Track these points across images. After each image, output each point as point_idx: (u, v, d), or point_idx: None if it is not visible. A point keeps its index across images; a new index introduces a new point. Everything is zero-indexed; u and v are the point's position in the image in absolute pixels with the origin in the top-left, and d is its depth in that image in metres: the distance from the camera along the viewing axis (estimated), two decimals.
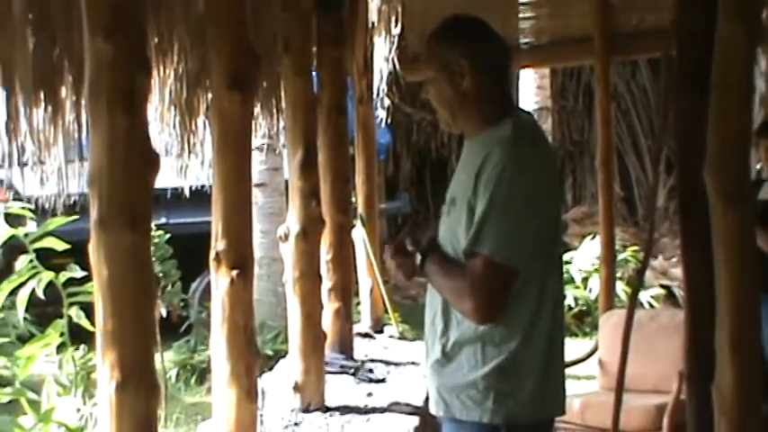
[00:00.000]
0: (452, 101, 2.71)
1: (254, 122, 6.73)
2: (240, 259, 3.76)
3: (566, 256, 12.02)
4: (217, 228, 3.75)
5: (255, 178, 10.42)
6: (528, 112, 2.87)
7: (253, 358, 3.84)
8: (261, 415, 4.01)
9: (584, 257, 11.32)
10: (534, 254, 2.57)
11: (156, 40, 4.67)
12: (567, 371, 6.94)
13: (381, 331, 7.02)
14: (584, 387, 7.13)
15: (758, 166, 6.30)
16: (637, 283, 4.99)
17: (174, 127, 5.16)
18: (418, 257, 2.74)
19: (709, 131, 2.43)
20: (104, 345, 2.66)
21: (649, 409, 5.54)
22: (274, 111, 6.35)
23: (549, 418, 2.77)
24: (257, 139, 10.10)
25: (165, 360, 9.11)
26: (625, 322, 3.87)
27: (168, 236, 8.37)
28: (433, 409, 2.80)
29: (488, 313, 2.57)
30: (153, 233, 8.18)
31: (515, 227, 2.52)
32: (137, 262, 2.70)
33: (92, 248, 2.67)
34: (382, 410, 4.91)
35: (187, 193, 7.13)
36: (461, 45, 2.70)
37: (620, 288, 10.91)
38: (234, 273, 3.74)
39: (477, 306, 2.56)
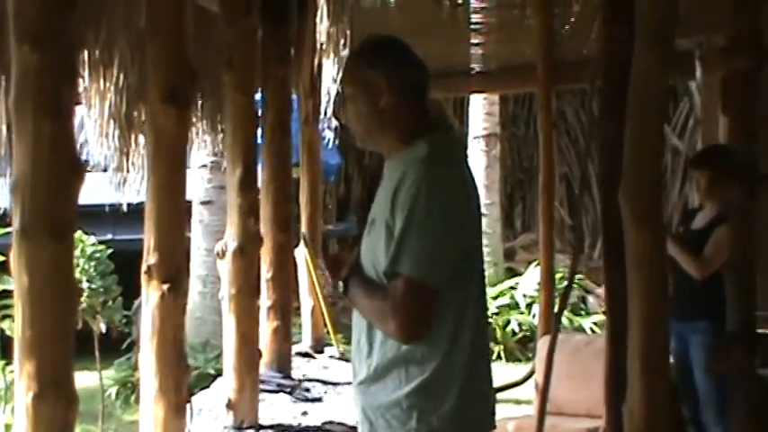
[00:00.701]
0: (369, 119, 2.73)
1: (198, 140, 6.79)
2: (172, 273, 3.75)
3: (511, 282, 12.12)
4: (149, 241, 3.74)
5: (202, 196, 10.50)
6: (448, 132, 2.90)
7: (182, 373, 3.83)
8: (189, 431, 3.97)
9: (528, 283, 11.41)
10: (454, 273, 2.58)
11: (97, 52, 4.68)
12: (507, 395, 7.03)
13: (322, 351, 7.01)
14: (523, 410, 7.18)
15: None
16: (561, 305, 5.03)
17: (114, 140, 5.14)
18: (340, 284, 2.75)
19: (625, 155, 2.48)
20: (22, 355, 2.64)
21: None
22: (219, 128, 6.37)
23: None
24: (204, 157, 10.13)
25: (105, 377, 9.04)
26: (549, 344, 3.90)
27: (110, 251, 8.34)
28: (359, 429, 2.80)
29: (413, 333, 2.58)
30: (97, 248, 8.18)
31: (432, 246, 2.53)
32: (58, 272, 2.68)
33: (13, 257, 2.65)
34: (316, 429, 4.91)
35: (132, 209, 7.07)
36: (380, 64, 2.72)
37: (564, 314, 11.00)
38: (165, 287, 3.73)
39: (401, 326, 2.57)
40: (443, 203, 2.56)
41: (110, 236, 10.34)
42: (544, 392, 3.80)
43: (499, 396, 6.15)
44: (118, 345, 9.31)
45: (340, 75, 2.90)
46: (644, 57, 2.47)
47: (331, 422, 4.88)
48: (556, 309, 10.69)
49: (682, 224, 5.98)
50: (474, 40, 8.13)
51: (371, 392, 2.71)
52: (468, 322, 2.66)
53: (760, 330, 3.04)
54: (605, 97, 3.26)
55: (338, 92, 7.44)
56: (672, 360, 5.62)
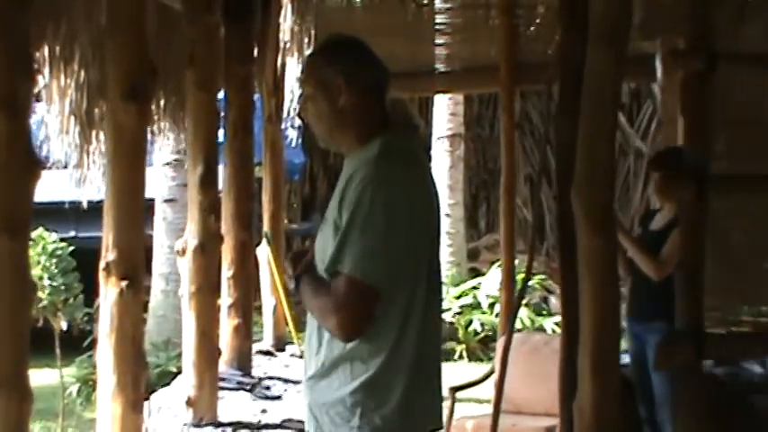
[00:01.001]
0: (329, 118, 2.75)
1: (161, 138, 6.78)
2: (130, 270, 3.76)
3: (474, 282, 12.18)
4: (107, 238, 3.75)
5: (165, 194, 10.47)
6: (406, 133, 2.92)
7: (140, 370, 3.83)
8: (146, 428, 3.98)
9: (491, 283, 11.46)
10: (398, 272, 2.60)
11: (58, 48, 4.66)
12: (468, 394, 7.06)
13: (283, 349, 7.01)
14: (484, 409, 7.22)
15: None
16: (516, 303, 5.07)
17: (74, 137, 5.12)
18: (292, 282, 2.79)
19: (578, 156, 2.52)
20: None
21: (540, 430, 5.62)
22: (182, 126, 6.36)
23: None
24: (167, 155, 10.11)
25: (66, 375, 9.00)
26: (504, 343, 3.93)
27: (72, 248, 8.30)
28: (306, 426, 2.82)
29: (351, 331, 2.60)
30: (58, 246, 8.13)
31: (375, 246, 2.55)
32: (13, 268, 2.69)
33: None
34: (275, 427, 4.92)
35: (94, 207, 7.04)
36: (340, 63, 2.74)
37: (525, 314, 11.08)
38: (123, 284, 3.73)
39: (339, 324, 2.60)
40: (389, 202, 2.58)
41: (72, 233, 10.31)
42: (499, 390, 3.84)
43: (460, 395, 6.27)
44: (79, 343, 9.28)
45: (300, 74, 2.92)
46: (597, 59, 2.50)
47: (290, 420, 4.88)
48: (525, 312, 10.86)
49: (641, 225, 6.04)
50: (439, 41, 8.17)
51: (318, 389, 2.73)
52: (415, 321, 2.67)
53: (712, 330, 3.09)
54: (561, 100, 3.29)
55: (300, 91, 7.46)
56: (629, 360, 5.71)
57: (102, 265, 3.76)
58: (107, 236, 3.74)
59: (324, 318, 2.65)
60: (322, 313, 2.66)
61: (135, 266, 3.78)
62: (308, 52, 7.28)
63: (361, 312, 2.58)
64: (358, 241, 2.55)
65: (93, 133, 5.38)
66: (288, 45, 7.30)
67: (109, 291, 3.75)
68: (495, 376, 6.47)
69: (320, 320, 2.67)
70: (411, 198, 2.67)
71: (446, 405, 5.97)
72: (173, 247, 9.77)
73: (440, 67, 8.79)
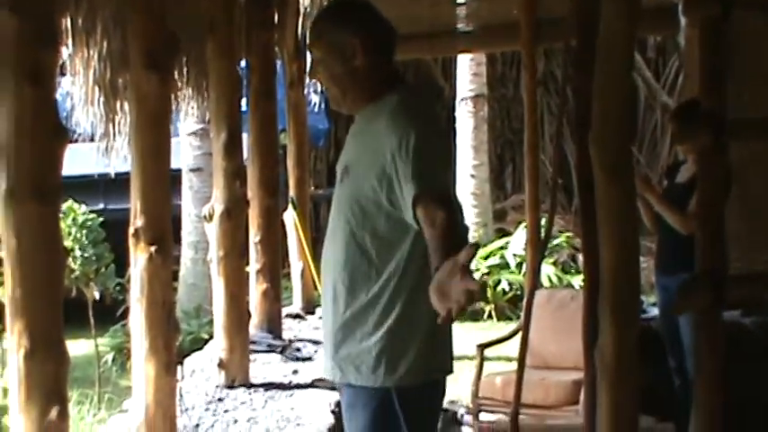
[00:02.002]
0: (343, 79, 2.80)
1: (186, 107, 6.84)
2: (158, 236, 3.82)
3: (501, 242, 12.21)
4: (135, 205, 3.81)
5: (191, 163, 10.55)
6: (418, 86, 2.99)
7: (171, 333, 3.91)
8: (180, 388, 4.07)
9: (518, 243, 11.49)
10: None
11: (80, 20, 4.72)
12: (497, 352, 7.12)
13: (313, 312, 7.10)
14: (514, 366, 7.27)
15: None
16: (539, 258, 5.11)
17: (99, 108, 5.19)
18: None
19: (593, 107, 2.55)
20: (13, 314, 2.72)
21: (568, 384, 5.66)
22: (205, 95, 6.41)
23: (439, 378, 2.87)
24: (192, 125, 10.18)
25: (101, 345, 9.14)
26: (527, 297, 3.98)
27: (102, 219, 8.41)
28: (329, 376, 2.88)
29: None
30: (88, 217, 8.23)
31: (440, 167, 2.65)
32: (45, 233, 2.76)
33: (1, 219, 2.72)
34: (306, 386, 5.01)
35: (123, 179, 7.12)
36: (353, 25, 2.78)
37: (552, 272, 11.11)
38: (152, 249, 3.80)
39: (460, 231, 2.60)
40: (426, 143, 2.65)
41: (101, 206, 10.43)
42: (524, 343, 3.89)
43: (489, 353, 6.32)
44: (112, 312, 9.40)
45: (309, 37, 2.96)
46: (611, 9, 2.53)
47: (321, 380, 4.95)
48: (552, 270, 10.90)
49: (667, 177, 6.04)
50: (459, 0, 8.15)
51: (342, 341, 2.79)
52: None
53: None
54: (579, 54, 3.32)
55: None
56: (658, 312, 5.74)
57: (130, 231, 3.82)
58: (135, 203, 3.80)
59: (454, 242, 2.42)
60: (454, 230, 2.49)
61: (163, 231, 3.85)
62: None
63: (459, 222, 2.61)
64: (431, 164, 2.61)
65: (118, 104, 5.45)
66: (308, 10, 7.32)
67: (138, 256, 3.82)
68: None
69: (454, 231, 2.50)
70: (445, 142, 2.79)
71: (474, 362, 6.04)
72: (200, 215, 9.93)
73: (461, 26, 8.77)
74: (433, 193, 2.59)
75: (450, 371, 2.87)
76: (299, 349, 5.83)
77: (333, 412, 4.52)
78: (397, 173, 2.64)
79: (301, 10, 7.28)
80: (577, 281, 10.70)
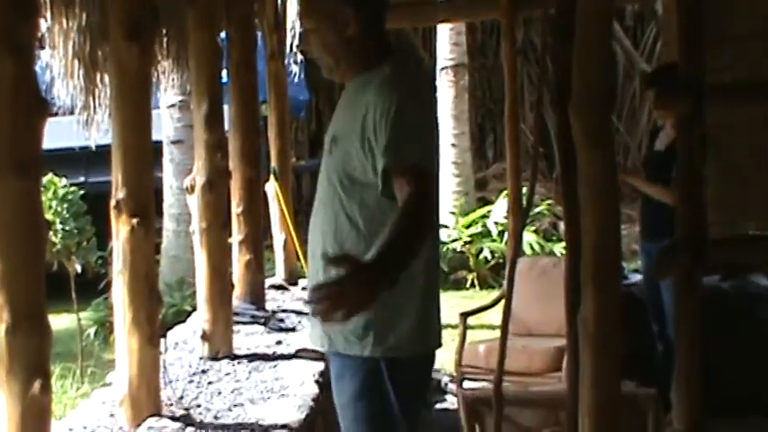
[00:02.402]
0: (337, 48, 2.80)
1: (166, 79, 6.80)
2: (140, 207, 3.82)
3: (483, 211, 12.25)
4: (116, 177, 3.80)
5: (171, 135, 10.51)
6: (407, 56, 2.98)
7: (154, 306, 3.92)
8: (164, 361, 4.07)
9: (500, 212, 11.53)
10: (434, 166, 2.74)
11: None
12: (480, 320, 7.15)
13: (295, 283, 7.11)
14: (497, 334, 7.30)
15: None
16: (521, 226, 5.14)
17: (79, 80, 5.15)
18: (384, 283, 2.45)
19: (572, 73, 2.55)
20: None
21: (551, 350, 5.70)
22: (185, 67, 6.37)
23: (430, 352, 2.89)
24: (172, 97, 10.13)
25: (83, 318, 9.13)
26: (509, 264, 3.99)
27: (83, 192, 8.38)
28: (317, 344, 2.89)
29: (433, 211, 2.69)
30: (68, 190, 8.18)
31: (420, 141, 2.67)
32: (26, 207, 2.75)
33: None
34: (290, 357, 5.02)
35: (103, 152, 7.08)
36: None
37: (534, 239, 11.16)
38: (134, 221, 3.80)
39: (429, 209, 2.64)
40: (414, 115, 2.66)
41: (82, 179, 10.38)
42: (507, 310, 3.90)
43: (472, 322, 6.35)
44: (94, 286, 9.37)
45: (301, 7, 2.96)
46: None
47: (305, 349, 4.98)
48: (534, 238, 10.93)
49: (650, 143, 6.06)
50: None
51: None
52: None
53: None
54: (557, 21, 3.32)
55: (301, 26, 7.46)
56: (641, 277, 5.78)
57: (112, 203, 3.82)
58: (116, 175, 3.80)
59: (419, 212, 2.57)
60: (417, 215, 2.57)
61: (145, 204, 3.85)
62: None
63: (434, 197, 2.71)
64: (411, 138, 2.64)
65: (98, 76, 5.41)
66: None
67: (120, 229, 3.82)
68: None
69: (420, 217, 2.58)
70: (433, 113, 2.78)
71: (457, 331, 6.07)
72: (181, 187, 9.90)
73: None
74: (404, 166, 2.62)
75: (440, 344, 2.88)
76: (282, 320, 5.84)
77: (317, 382, 4.54)
78: (377, 143, 2.65)
79: None
80: (559, 248, 10.74)
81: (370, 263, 2.45)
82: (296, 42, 7.96)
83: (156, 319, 3.89)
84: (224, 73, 5.57)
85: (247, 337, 5.42)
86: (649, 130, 6.50)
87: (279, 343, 5.33)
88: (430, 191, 2.64)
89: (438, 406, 6.31)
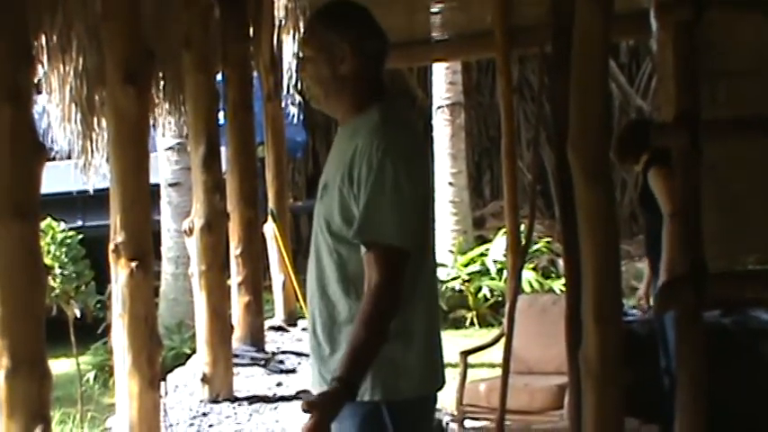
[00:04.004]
0: (328, 82, 2.76)
1: (163, 122, 6.83)
2: (139, 251, 3.82)
3: (481, 249, 12.24)
4: (115, 221, 3.80)
5: (169, 178, 10.52)
6: (402, 101, 2.97)
7: (154, 349, 3.90)
8: (164, 404, 4.05)
9: (498, 250, 11.52)
10: (418, 234, 2.66)
11: (55, 37, 4.71)
12: (481, 358, 7.12)
13: (295, 324, 7.09)
14: (497, 373, 7.28)
15: None
16: (520, 264, 5.14)
17: (77, 125, 5.17)
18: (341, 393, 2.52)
19: (570, 111, 2.56)
20: None
21: (552, 388, 5.68)
22: (182, 109, 6.40)
23: (430, 394, 2.85)
24: (169, 140, 10.16)
25: (83, 363, 9.09)
26: (509, 301, 3.98)
27: (81, 237, 8.37)
28: (315, 390, 2.84)
29: (400, 298, 2.63)
30: (67, 234, 8.18)
31: (403, 210, 2.57)
32: (25, 251, 2.75)
33: None
34: (290, 399, 4.99)
35: (100, 196, 7.09)
36: (346, 30, 2.73)
37: (533, 277, 11.14)
38: (133, 264, 3.79)
39: (394, 297, 2.56)
40: (406, 167, 2.62)
41: (80, 222, 10.40)
42: (507, 348, 3.89)
43: (472, 360, 6.33)
44: (93, 330, 9.36)
45: (302, 34, 2.94)
46: (585, 14, 2.54)
47: (305, 391, 4.94)
48: (532, 275, 10.92)
49: (644, 177, 6.08)
50: (433, 9, 8.18)
51: (327, 354, 2.75)
52: (423, 282, 2.72)
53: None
54: (554, 59, 3.34)
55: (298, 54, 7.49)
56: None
57: (111, 247, 3.81)
58: (114, 219, 3.80)
59: (381, 309, 2.58)
60: (379, 313, 2.58)
61: (143, 247, 3.85)
62: (303, 28, 7.32)
63: (403, 277, 2.60)
64: (386, 208, 2.58)
65: (95, 120, 5.43)
66: (283, 22, 7.34)
67: (119, 272, 3.82)
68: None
69: (380, 315, 2.58)
70: (420, 162, 2.74)
71: (458, 370, 6.05)
72: (179, 230, 9.90)
73: (436, 35, 8.80)
74: (375, 242, 2.58)
75: (442, 386, 2.85)
76: (282, 362, 5.82)
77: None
78: (358, 197, 2.63)
79: (276, 23, 7.29)
80: (558, 285, 10.73)
81: (330, 390, 2.54)
82: (292, 83, 7.99)
83: (156, 362, 3.87)
84: (221, 115, 5.59)
85: (247, 380, 5.40)
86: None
87: (279, 385, 5.31)
88: (398, 270, 2.59)
89: None
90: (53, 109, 5.62)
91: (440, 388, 2.84)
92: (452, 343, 8.34)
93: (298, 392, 5.04)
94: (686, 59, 2.88)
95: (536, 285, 11.02)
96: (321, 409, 2.51)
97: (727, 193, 5.65)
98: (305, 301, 6.99)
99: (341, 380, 2.53)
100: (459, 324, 11.20)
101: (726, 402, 4.39)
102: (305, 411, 2.50)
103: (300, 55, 2.90)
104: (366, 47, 2.76)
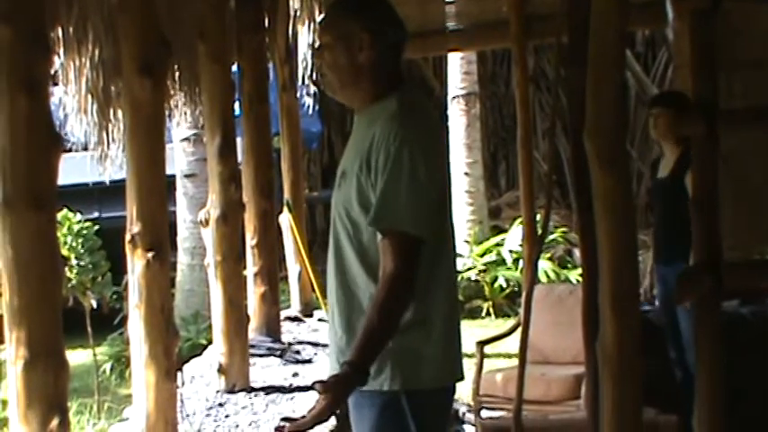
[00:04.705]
0: (345, 70, 2.75)
1: (178, 113, 6.84)
2: (155, 241, 3.82)
3: (497, 239, 12.22)
4: (131, 211, 3.81)
5: (185, 169, 10.55)
6: (419, 90, 2.96)
7: (171, 339, 3.91)
8: (181, 394, 4.06)
9: (514, 240, 11.50)
10: (435, 222, 2.66)
11: (71, 29, 4.72)
12: (497, 348, 7.11)
13: (311, 315, 7.09)
14: (513, 363, 7.28)
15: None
16: (536, 254, 5.12)
17: (93, 116, 5.18)
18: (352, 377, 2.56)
19: (587, 99, 2.55)
20: (11, 323, 2.73)
21: (569, 378, 5.68)
22: (198, 100, 6.41)
23: (451, 384, 2.84)
24: (185, 131, 10.18)
25: (99, 354, 9.13)
26: (526, 291, 3.98)
27: (97, 228, 8.40)
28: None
29: (412, 285, 2.62)
30: (83, 225, 8.22)
31: (419, 198, 2.58)
32: (42, 242, 2.76)
33: None
34: (306, 389, 4.99)
35: (117, 187, 7.10)
36: (366, 18, 2.73)
37: (549, 267, 11.12)
38: (149, 255, 3.79)
39: (407, 283, 2.58)
40: (424, 156, 2.63)
41: (96, 214, 10.42)
42: (524, 338, 3.89)
43: (489, 350, 6.32)
44: (110, 321, 9.38)
45: (321, 20, 2.92)
46: (601, 3, 2.53)
47: (322, 381, 4.95)
48: (548, 265, 10.91)
49: (652, 173, 6.06)
50: None
51: (346, 344, 2.75)
52: (442, 272, 2.73)
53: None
54: (570, 49, 3.32)
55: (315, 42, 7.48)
56: (658, 303, 5.75)
57: (127, 238, 3.82)
58: (131, 209, 3.80)
59: (394, 296, 2.60)
60: (392, 299, 2.60)
61: (160, 237, 3.85)
62: (318, 18, 7.31)
63: (417, 265, 2.61)
64: (402, 196, 2.59)
65: (112, 111, 5.44)
66: (298, 13, 7.33)
67: (136, 263, 3.82)
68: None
69: (393, 303, 2.61)
70: (437, 151, 2.74)
71: (474, 360, 6.05)
72: (195, 221, 9.93)
73: (451, 25, 8.77)
74: (389, 229, 2.60)
75: (462, 377, 2.84)
76: (298, 352, 5.83)
77: (334, 414, 4.51)
78: (375, 184, 2.63)
79: (291, 13, 7.28)
80: (574, 275, 10.71)
81: (341, 374, 2.58)
82: (308, 74, 7.99)
83: (172, 352, 3.88)
84: (236, 105, 5.59)
85: (263, 370, 5.41)
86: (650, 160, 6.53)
87: (295, 375, 5.32)
88: (412, 258, 2.60)
89: None
90: (69, 100, 5.64)
91: (459, 379, 2.84)
92: (469, 333, 8.33)
93: (314, 383, 5.02)
94: (702, 49, 2.88)
95: (552, 275, 11.00)
96: (332, 391, 2.53)
97: (743, 183, 5.62)
98: (321, 291, 7.03)
99: (351, 364, 2.56)
100: (475, 314, 11.19)
101: (744, 391, 4.37)
102: (317, 392, 2.53)
103: (318, 43, 2.88)
104: (385, 37, 2.76)
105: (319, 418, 2.55)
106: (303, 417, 2.56)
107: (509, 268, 11.55)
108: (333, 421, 4.37)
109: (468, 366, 6.06)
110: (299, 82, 7.88)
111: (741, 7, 5.28)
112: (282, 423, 2.56)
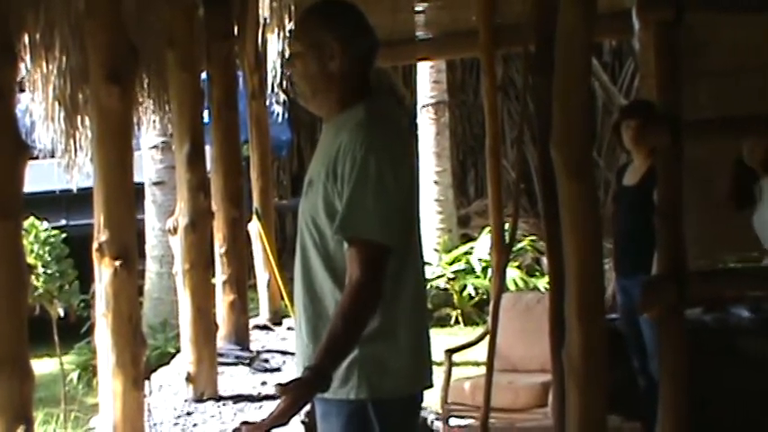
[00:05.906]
0: (316, 79, 2.77)
1: (147, 120, 6.82)
2: (123, 250, 3.81)
3: (466, 247, 12.26)
4: (99, 220, 3.79)
5: (153, 176, 10.51)
6: (387, 99, 2.97)
7: (139, 348, 3.89)
8: (149, 403, 4.05)
9: (483, 248, 11.54)
10: (402, 229, 2.67)
11: (38, 36, 4.69)
12: (466, 357, 7.13)
13: (280, 323, 7.08)
14: (482, 371, 7.29)
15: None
16: (504, 262, 5.15)
17: (60, 123, 5.15)
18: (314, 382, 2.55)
19: (554, 108, 2.57)
20: None
21: (536, 386, 5.70)
22: (167, 108, 6.39)
23: (418, 393, 2.83)
24: (154, 138, 10.15)
25: (66, 362, 9.06)
26: (493, 300, 4.00)
27: (64, 235, 8.34)
28: None
29: (380, 293, 2.63)
30: (50, 233, 8.15)
31: (386, 206, 2.58)
32: (8, 250, 2.75)
33: None
34: (275, 398, 4.95)
35: (84, 194, 7.06)
36: (337, 28, 2.74)
37: (517, 275, 11.16)
38: (117, 263, 3.78)
39: (374, 292, 2.58)
40: (390, 164, 2.63)
41: (63, 221, 10.34)
42: (492, 346, 3.91)
43: (457, 358, 6.34)
44: (77, 330, 9.32)
45: (293, 30, 2.93)
46: (568, 13, 2.56)
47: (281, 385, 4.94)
48: (517, 274, 10.95)
49: (617, 180, 6.09)
50: (418, 8, 8.18)
51: (312, 354, 2.74)
52: (408, 279, 2.73)
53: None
54: (537, 58, 3.35)
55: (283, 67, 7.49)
56: (619, 313, 5.79)
57: (95, 246, 3.80)
58: (98, 217, 3.79)
59: (360, 304, 2.60)
60: (357, 307, 2.60)
61: (127, 245, 3.83)
62: (289, 26, 7.32)
63: (383, 273, 2.61)
64: (369, 204, 2.59)
65: (79, 119, 5.42)
66: (268, 21, 7.32)
67: (103, 271, 3.80)
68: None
69: (358, 310, 2.61)
70: (404, 159, 2.74)
71: (443, 368, 6.06)
72: (164, 229, 9.87)
73: (420, 34, 8.81)
74: (356, 238, 2.60)
75: (431, 385, 2.85)
76: (267, 360, 5.81)
77: (303, 423, 4.51)
78: (341, 192, 2.64)
79: (261, 21, 7.28)
80: (542, 284, 10.76)
81: (302, 377, 2.57)
82: (277, 82, 7.99)
83: (140, 361, 3.87)
84: (205, 113, 5.58)
85: (232, 379, 5.40)
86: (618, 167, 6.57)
87: (264, 384, 5.30)
88: (378, 266, 2.60)
89: None
90: (36, 107, 5.61)
91: (427, 387, 2.84)
92: (437, 341, 8.32)
93: (275, 386, 5.02)
94: (667, 59, 2.91)
95: (520, 283, 11.05)
96: (291, 394, 2.52)
97: (708, 192, 5.67)
98: (290, 299, 7.02)
99: (313, 368, 2.56)
100: (443, 322, 11.21)
101: (707, 399, 4.41)
102: (277, 395, 2.54)
103: (289, 51, 2.90)
104: (356, 45, 2.77)
105: (278, 421, 2.54)
106: (263, 420, 2.55)
107: (478, 276, 11.60)
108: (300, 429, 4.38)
109: (437, 374, 6.10)
110: (269, 90, 7.87)
111: (706, 19, 5.35)
112: (241, 425, 2.56)
